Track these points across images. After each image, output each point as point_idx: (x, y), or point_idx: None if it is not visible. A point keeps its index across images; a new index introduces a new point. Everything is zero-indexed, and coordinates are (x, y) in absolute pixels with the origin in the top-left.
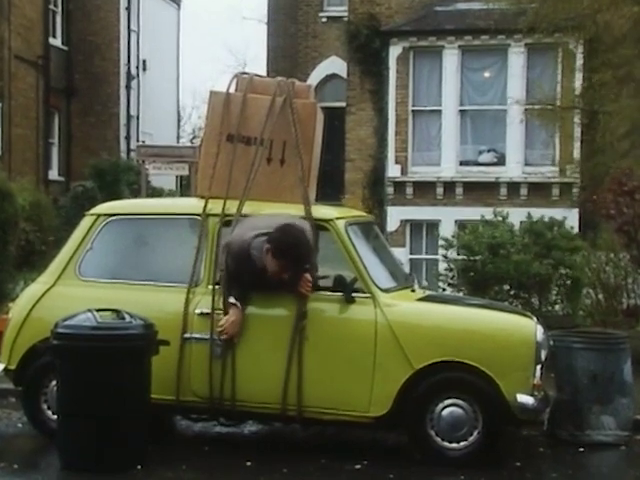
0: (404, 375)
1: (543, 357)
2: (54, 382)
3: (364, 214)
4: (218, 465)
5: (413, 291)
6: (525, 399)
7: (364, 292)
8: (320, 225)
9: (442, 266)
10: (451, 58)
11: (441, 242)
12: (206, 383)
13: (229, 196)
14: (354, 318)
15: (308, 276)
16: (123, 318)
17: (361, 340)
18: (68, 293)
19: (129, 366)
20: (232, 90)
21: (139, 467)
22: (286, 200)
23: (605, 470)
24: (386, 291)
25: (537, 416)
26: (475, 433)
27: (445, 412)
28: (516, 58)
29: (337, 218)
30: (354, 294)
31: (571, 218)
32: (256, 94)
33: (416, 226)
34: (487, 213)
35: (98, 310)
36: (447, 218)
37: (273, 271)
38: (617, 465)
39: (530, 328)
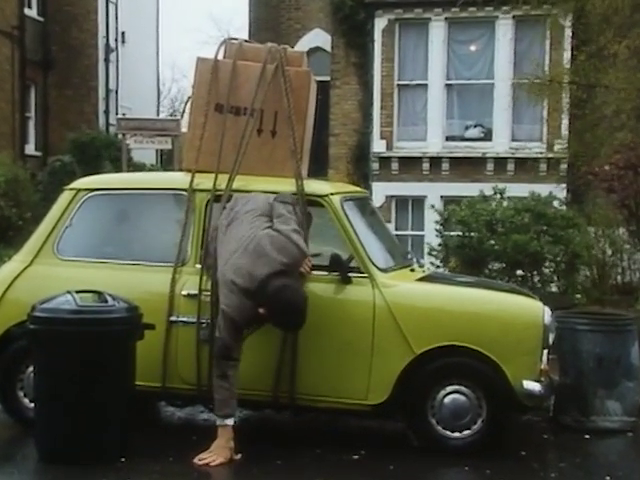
0: (404, 360)
1: (550, 341)
2: (31, 368)
3: (359, 189)
4: None
5: (412, 270)
6: (532, 385)
7: (361, 272)
8: (314, 201)
9: (435, 242)
10: (437, 30)
11: (437, 217)
12: (193, 369)
13: (217, 170)
14: (351, 299)
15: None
16: (105, 301)
17: (358, 323)
18: (46, 273)
19: (112, 352)
20: (220, 57)
21: (123, 459)
22: (277, 174)
23: (614, 459)
24: (384, 271)
25: (543, 402)
26: (479, 421)
27: (447, 399)
28: (504, 31)
29: (332, 194)
30: (350, 274)
31: (559, 194)
32: (246, 61)
33: (401, 202)
34: (473, 189)
35: (78, 292)
36: (433, 194)
37: None
38: (626, 453)
39: (537, 310)
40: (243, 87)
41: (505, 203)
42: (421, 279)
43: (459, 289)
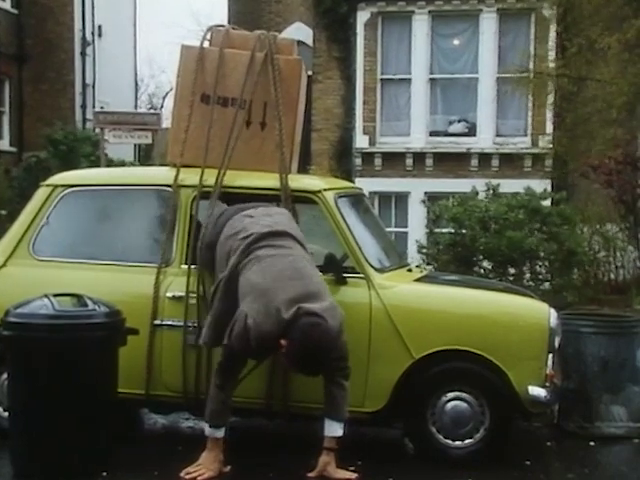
0: (403, 365)
1: (557, 344)
2: (5, 375)
3: (353, 185)
4: None
5: (410, 271)
6: (537, 391)
7: (357, 272)
8: (306, 197)
9: (420, 239)
10: (421, 24)
11: (423, 214)
12: (179, 375)
13: (203, 164)
14: (346, 301)
15: None
16: (85, 304)
17: (354, 326)
18: (21, 275)
19: (92, 359)
20: (206, 44)
21: (104, 474)
22: (267, 168)
23: (623, 469)
24: (381, 271)
25: (549, 409)
26: (481, 430)
27: (448, 406)
28: (488, 24)
29: (325, 189)
30: (345, 274)
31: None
32: (234, 49)
33: (385, 198)
34: (458, 185)
35: (56, 295)
36: (417, 190)
37: None
38: (634, 462)
39: (543, 312)
40: (231, 76)
41: (492, 199)
42: (419, 280)
43: (460, 290)
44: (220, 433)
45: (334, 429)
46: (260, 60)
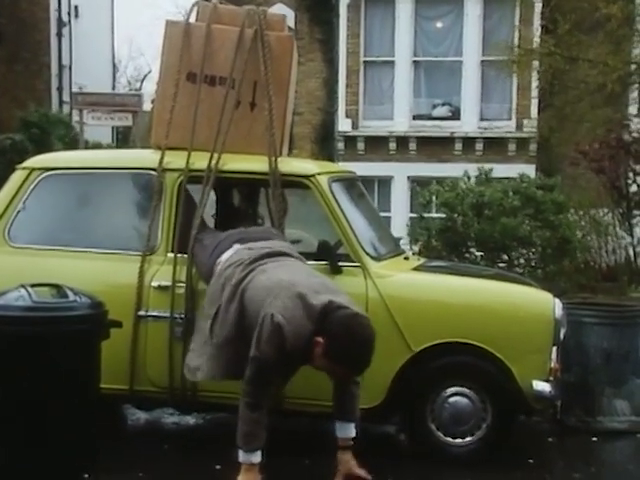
0: (401, 359)
1: (561, 336)
2: None
3: (347, 169)
4: (181, 470)
5: (406, 259)
6: (542, 386)
7: (352, 260)
8: (299, 182)
9: (401, 223)
10: (404, 6)
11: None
12: (165, 370)
13: (190, 146)
14: None
15: None
16: (65, 295)
17: None
18: None
19: (73, 354)
20: (192, 20)
21: (86, 476)
22: (256, 151)
23: (631, 467)
24: (377, 259)
25: (553, 404)
26: (483, 427)
27: (448, 402)
28: (472, 7)
29: (319, 174)
30: (340, 263)
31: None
32: (222, 25)
33: (368, 182)
34: (441, 169)
35: (33, 285)
36: (400, 174)
37: None
38: None
39: (548, 303)
40: (218, 54)
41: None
42: (417, 268)
43: (460, 279)
44: (256, 457)
45: (350, 431)
46: (250, 37)
